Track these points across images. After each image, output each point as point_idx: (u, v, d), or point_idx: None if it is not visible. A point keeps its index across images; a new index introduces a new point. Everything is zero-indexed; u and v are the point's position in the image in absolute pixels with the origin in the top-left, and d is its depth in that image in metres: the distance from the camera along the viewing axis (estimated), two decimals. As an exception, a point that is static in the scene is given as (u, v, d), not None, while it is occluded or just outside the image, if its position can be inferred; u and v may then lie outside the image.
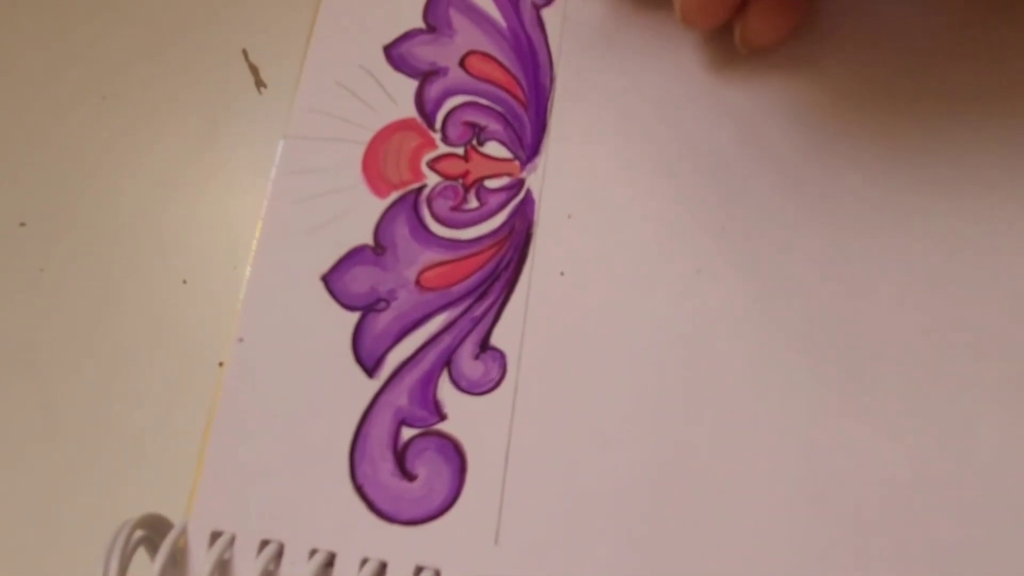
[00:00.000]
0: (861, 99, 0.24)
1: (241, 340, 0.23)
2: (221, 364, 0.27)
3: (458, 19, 0.26)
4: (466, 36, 0.26)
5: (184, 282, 0.28)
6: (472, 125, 0.25)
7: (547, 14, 0.26)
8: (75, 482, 0.26)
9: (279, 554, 0.21)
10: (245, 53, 0.30)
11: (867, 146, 0.23)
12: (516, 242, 0.23)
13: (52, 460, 0.26)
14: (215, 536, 0.22)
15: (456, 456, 0.22)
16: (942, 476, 0.20)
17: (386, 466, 0.22)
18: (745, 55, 0.24)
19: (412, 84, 0.26)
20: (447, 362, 0.22)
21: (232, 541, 0.21)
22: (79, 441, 0.26)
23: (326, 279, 0.24)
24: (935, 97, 0.23)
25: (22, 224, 0.29)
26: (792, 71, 0.24)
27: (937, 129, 0.23)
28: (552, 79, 0.25)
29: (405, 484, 0.21)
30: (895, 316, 0.21)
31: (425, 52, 0.26)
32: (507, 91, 0.25)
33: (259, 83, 0.29)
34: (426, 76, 0.26)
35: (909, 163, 0.23)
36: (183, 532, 0.22)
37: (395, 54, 0.26)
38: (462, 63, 0.26)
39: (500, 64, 0.25)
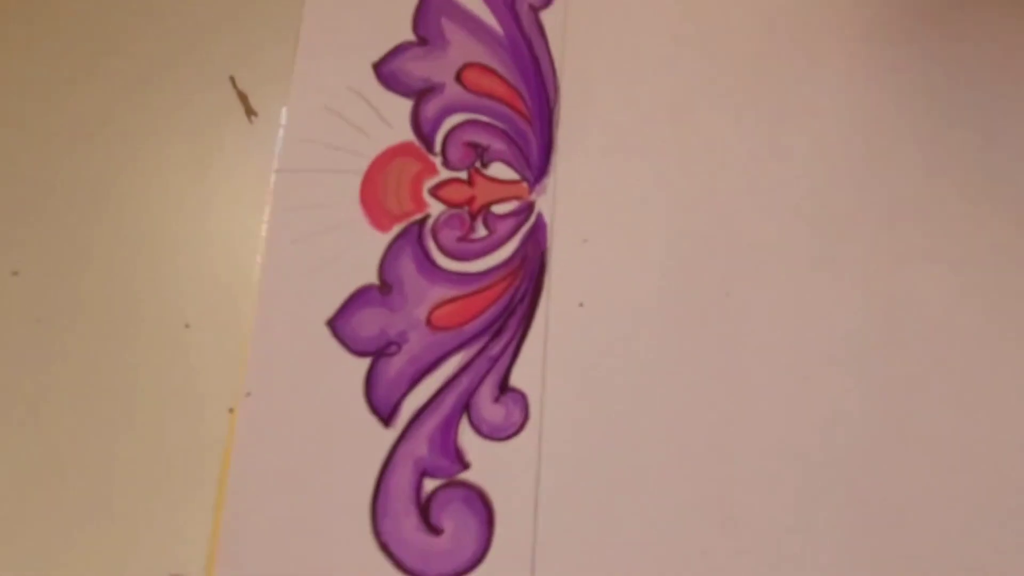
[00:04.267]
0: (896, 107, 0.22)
1: (249, 394, 0.22)
2: (231, 410, 0.26)
3: (451, 28, 0.24)
4: (461, 47, 0.24)
5: (187, 326, 0.27)
6: (474, 146, 0.23)
7: (547, 16, 0.24)
8: (84, 535, 0.25)
9: (306, 618, 0.20)
10: (233, 80, 0.28)
11: (907, 159, 0.21)
12: (530, 272, 0.22)
13: (60, 516, 0.26)
14: (239, 603, 0.21)
15: (483, 507, 0.20)
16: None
17: (410, 520, 0.21)
18: None
19: (407, 104, 0.24)
20: (466, 406, 0.21)
21: (257, 606, 0.21)
22: (87, 493, 0.26)
23: (332, 324, 0.22)
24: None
25: (14, 273, 0.28)
26: (814, 68, 0.22)
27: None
28: (556, 88, 0.23)
29: (431, 539, 0.20)
30: (928, 334, 0.20)
31: (418, 67, 0.24)
32: (509, 105, 0.23)
33: (249, 111, 0.28)
34: (421, 94, 0.24)
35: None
36: (206, 601, 0.21)
37: (386, 72, 0.24)
38: (458, 77, 0.24)
39: (499, 76, 0.24)
